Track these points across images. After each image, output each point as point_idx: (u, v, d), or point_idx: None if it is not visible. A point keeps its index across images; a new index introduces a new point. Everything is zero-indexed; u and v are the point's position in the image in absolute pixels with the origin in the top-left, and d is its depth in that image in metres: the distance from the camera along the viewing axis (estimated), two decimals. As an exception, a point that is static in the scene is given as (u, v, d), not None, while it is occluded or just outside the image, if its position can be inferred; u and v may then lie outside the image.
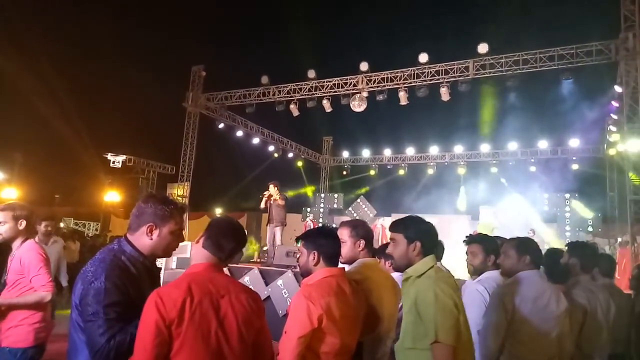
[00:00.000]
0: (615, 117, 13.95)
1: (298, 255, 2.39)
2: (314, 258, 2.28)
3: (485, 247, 3.16)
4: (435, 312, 1.95)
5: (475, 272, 3.21)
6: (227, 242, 1.93)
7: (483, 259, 3.15)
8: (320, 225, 14.67)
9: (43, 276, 2.92)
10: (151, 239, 2.00)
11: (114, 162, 19.79)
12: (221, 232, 1.95)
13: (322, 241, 2.31)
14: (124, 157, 19.96)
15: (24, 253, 2.96)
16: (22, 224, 2.99)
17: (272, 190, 9.11)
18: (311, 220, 12.84)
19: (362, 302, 2.34)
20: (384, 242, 6.40)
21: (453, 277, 2.29)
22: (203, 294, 1.77)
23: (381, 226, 14.48)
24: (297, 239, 2.46)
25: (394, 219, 2.36)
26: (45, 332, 2.99)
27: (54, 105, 20.12)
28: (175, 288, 1.76)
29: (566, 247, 3.41)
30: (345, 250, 2.63)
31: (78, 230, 17.82)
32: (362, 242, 2.66)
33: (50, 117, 20.03)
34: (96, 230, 22.57)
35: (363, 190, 21.58)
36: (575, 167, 17.81)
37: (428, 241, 2.19)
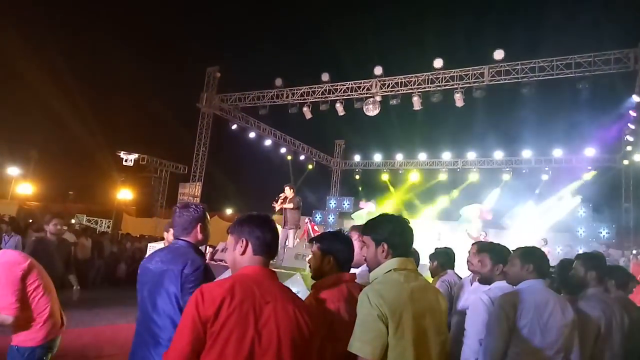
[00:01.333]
0: (632, 126, 13.74)
1: (309, 257, 2.38)
2: (328, 262, 2.26)
3: (493, 256, 3.13)
4: (356, 321, 1.85)
5: (484, 280, 3.17)
6: (271, 238, 1.89)
7: (491, 268, 3.12)
8: (323, 229, 14.60)
9: (7, 297, 2.69)
10: (202, 235, 2.48)
11: (126, 161, 20.03)
12: (258, 227, 1.88)
13: (338, 246, 2.28)
14: (136, 155, 20.17)
15: None
16: None
17: (288, 192, 9.12)
18: (310, 223, 12.71)
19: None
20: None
21: (417, 281, 1.99)
22: (245, 296, 1.68)
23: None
24: (311, 241, 2.44)
25: None
26: (54, 332, 2.96)
27: (70, 104, 20.49)
28: (218, 286, 1.71)
29: (576, 259, 3.36)
30: (354, 254, 2.61)
31: (90, 227, 18.05)
32: None
33: (66, 115, 20.38)
34: (108, 227, 22.78)
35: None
36: (590, 176, 17.54)
37: (396, 242, 2.02)
